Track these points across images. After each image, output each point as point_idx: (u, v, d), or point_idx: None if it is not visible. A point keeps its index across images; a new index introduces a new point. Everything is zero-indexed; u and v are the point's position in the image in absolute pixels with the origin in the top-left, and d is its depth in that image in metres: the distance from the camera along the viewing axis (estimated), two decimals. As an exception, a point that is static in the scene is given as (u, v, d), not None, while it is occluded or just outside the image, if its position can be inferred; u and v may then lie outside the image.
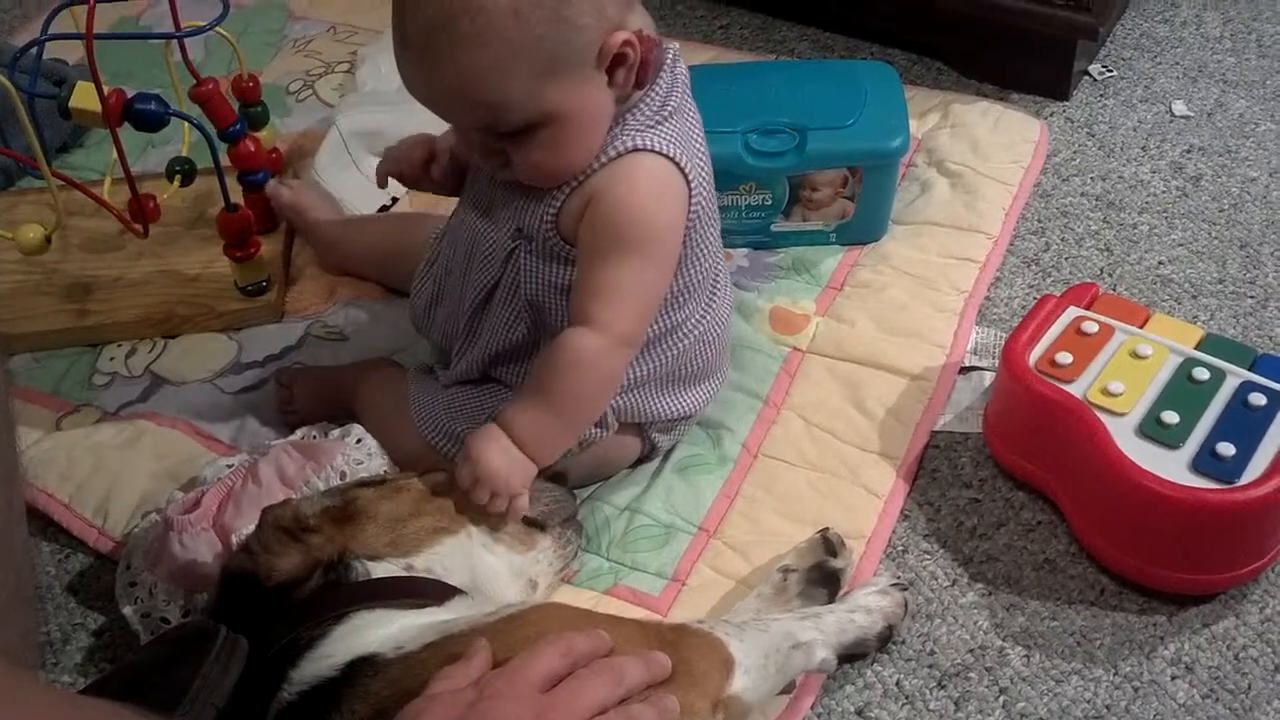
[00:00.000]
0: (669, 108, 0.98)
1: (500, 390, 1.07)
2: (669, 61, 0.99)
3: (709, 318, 1.08)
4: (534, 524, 1.01)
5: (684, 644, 0.87)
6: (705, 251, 1.05)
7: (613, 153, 0.96)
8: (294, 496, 0.99)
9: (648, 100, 0.98)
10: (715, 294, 1.09)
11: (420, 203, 1.40)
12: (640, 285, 0.98)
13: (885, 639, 0.99)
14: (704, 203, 1.02)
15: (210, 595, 0.97)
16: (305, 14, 1.78)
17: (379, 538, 0.92)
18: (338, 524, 0.92)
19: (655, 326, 1.04)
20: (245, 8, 1.76)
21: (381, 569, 0.90)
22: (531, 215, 0.99)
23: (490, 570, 0.96)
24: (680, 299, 1.05)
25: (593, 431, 1.06)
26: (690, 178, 0.98)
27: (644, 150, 0.96)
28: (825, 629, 0.94)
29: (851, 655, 0.98)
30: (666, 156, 0.97)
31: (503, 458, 0.96)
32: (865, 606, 0.98)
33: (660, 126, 0.97)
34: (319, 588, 0.88)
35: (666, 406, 1.09)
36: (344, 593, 0.88)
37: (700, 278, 1.05)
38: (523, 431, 0.98)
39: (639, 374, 1.06)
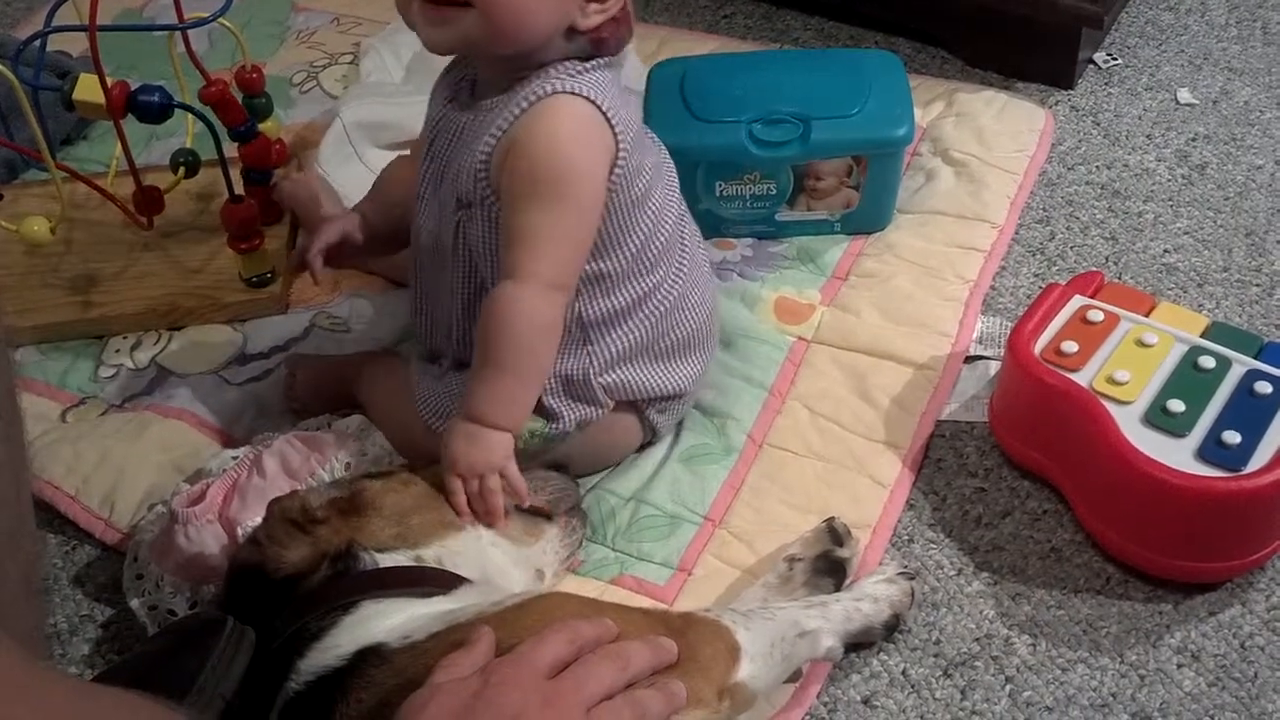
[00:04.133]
0: (599, 66, 0.97)
1: None
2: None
3: (683, 279, 1.08)
4: (539, 513, 1.01)
5: (690, 631, 0.87)
6: (668, 214, 1.05)
7: (533, 97, 0.95)
8: (299, 488, 0.99)
9: (578, 57, 0.97)
10: (685, 255, 1.08)
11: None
12: (560, 229, 0.96)
13: (891, 628, 0.99)
14: (645, 162, 1.01)
15: (218, 587, 0.97)
16: (308, 5, 1.77)
17: (385, 530, 0.92)
18: (344, 515, 0.92)
19: (630, 293, 1.04)
20: (248, -1, 1.76)
21: (389, 560, 0.90)
22: (466, 177, 0.98)
23: (498, 562, 0.96)
24: (651, 263, 1.04)
25: (587, 411, 1.05)
26: (615, 125, 0.96)
27: (563, 94, 0.95)
28: (831, 617, 0.94)
29: (858, 644, 0.98)
30: (587, 99, 0.95)
31: (469, 442, 0.96)
32: (871, 595, 0.98)
33: (585, 75, 0.96)
34: (326, 578, 0.88)
35: (657, 381, 1.09)
36: (351, 583, 0.88)
37: (667, 240, 1.05)
38: (479, 406, 0.97)
39: (625, 346, 1.05)
